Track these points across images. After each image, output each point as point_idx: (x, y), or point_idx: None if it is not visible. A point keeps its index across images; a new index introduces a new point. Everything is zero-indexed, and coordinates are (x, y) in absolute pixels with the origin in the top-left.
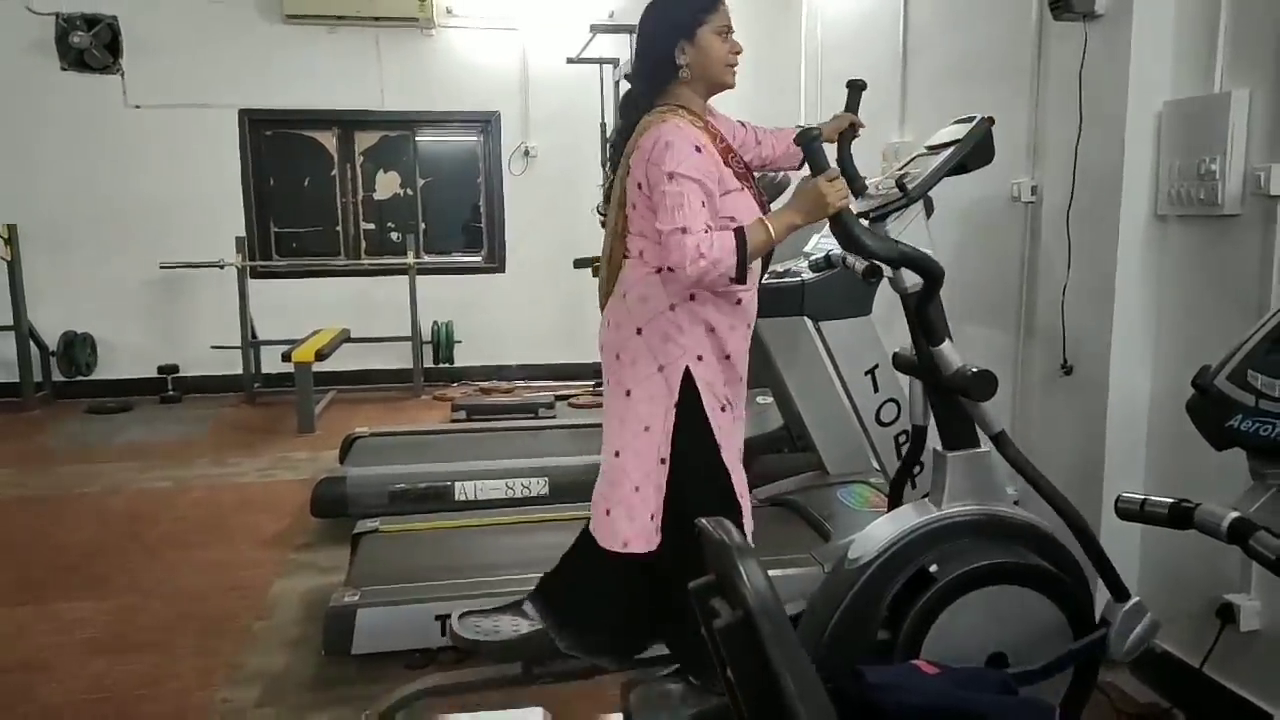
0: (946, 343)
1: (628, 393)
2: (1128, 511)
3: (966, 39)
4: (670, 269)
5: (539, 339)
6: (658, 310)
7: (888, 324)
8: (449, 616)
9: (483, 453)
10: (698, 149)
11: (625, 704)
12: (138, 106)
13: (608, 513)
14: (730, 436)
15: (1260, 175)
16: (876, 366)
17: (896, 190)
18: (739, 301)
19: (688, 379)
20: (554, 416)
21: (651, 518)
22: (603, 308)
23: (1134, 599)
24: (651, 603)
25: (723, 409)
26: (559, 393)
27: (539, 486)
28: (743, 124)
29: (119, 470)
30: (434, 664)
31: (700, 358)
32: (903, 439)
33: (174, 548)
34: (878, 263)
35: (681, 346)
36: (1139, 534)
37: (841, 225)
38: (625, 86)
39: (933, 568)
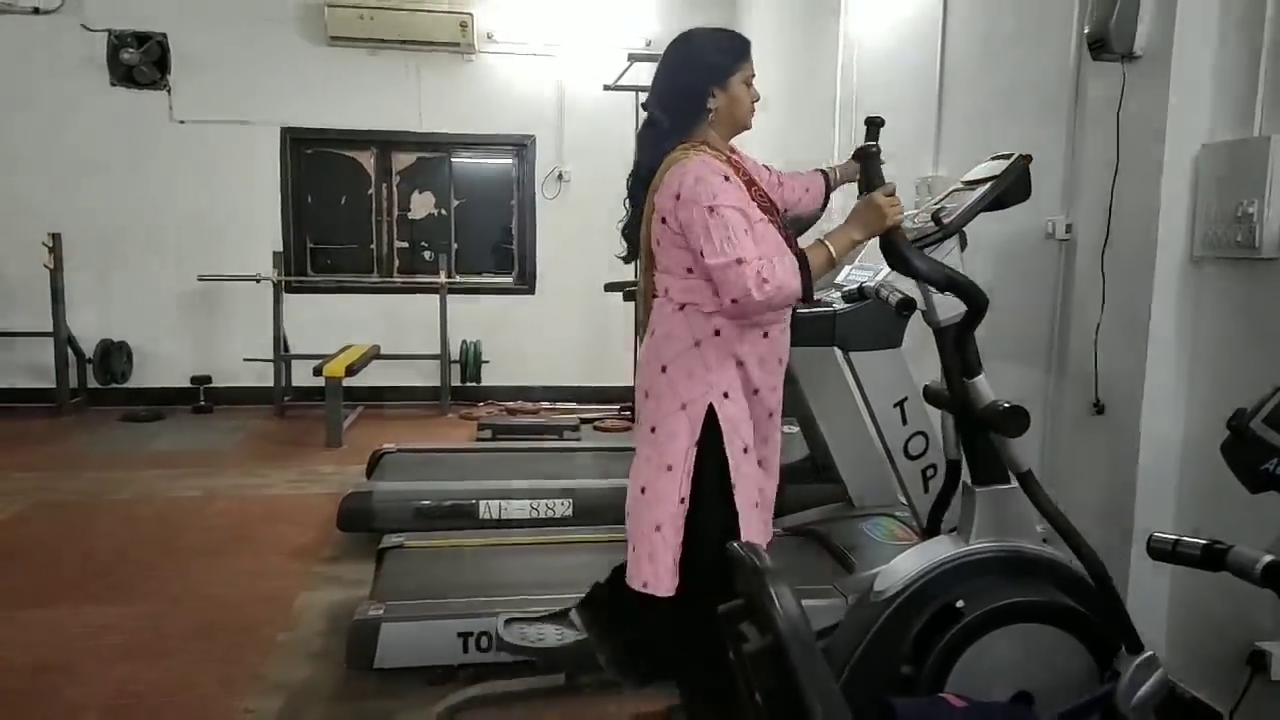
0: (980, 377)
1: (653, 429)
2: (1160, 551)
3: (1003, 75)
4: (734, 301)
5: (566, 361)
6: (683, 347)
7: (916, 358)
8: (471, 634)
9: (508, 472)
10: (725, 178)
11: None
12: (183, 122)
13: (633, 549)
14: (748, 480)
15: None
16: (905, 399)
17: (932, 224)
18: (766, 335)
19: (711, 417)
20: (579, 439)
21: (674, 561)
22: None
23: (1148, 653)
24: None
25: (745, 450)
26: (584, 415)
27: (563, 508)
28: (767, 167)
29: (150, 478)
30: (454, 681)
31: (726, 395)
32: (930, 472)
33: (202, 556)
34: (919, 287)
35: (707, 383)
36: (1169, 577)
37: (893, 244)
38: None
39: (959, 603)
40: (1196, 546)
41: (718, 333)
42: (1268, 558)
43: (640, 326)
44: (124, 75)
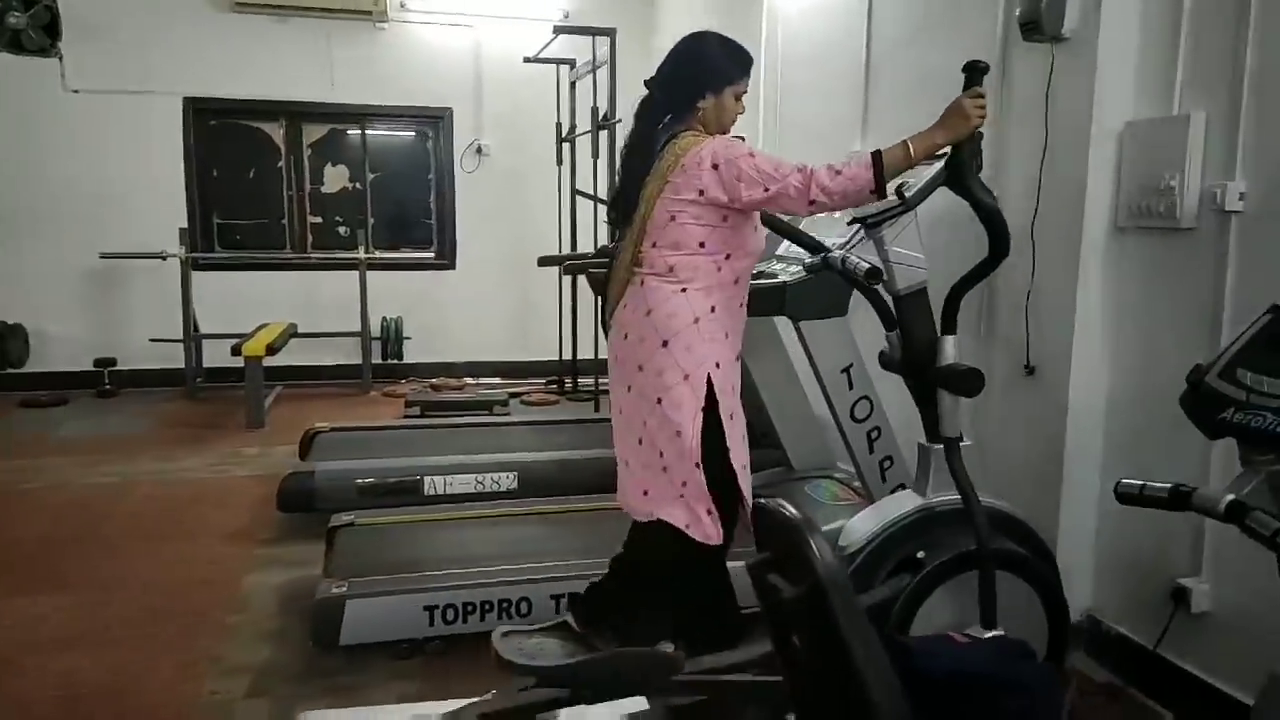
0: (954, 336)
1: (659, 400)
2: (1128, 495)
3: (929, 55)
4: (810, 204)
5: (488, 337)
6: (684, 325)
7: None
8: (437, 607)
9: (449, 448)
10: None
11: (493, 654)
12: (77, 91)
13: (679, 498)
14: (737, 443)
15: (1216, 192)
16: (851, 365)
17: (894, 197)
18: (742, 304)
19: (710, 386)
20: (509, 413)
21: (708, 512)
22: (608, 316)
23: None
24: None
25: (731, 417)
26: (512, 390)
27: (508, 481)
28: None
29: (62, 465)
30: (420, 654)
31: (718, 364)
32: (874, 434)
33: (132, 543)
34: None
35: (703, 356)
36: (1095, 524)
37: (959, 160)
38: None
39: (920, 554)
40: (1163, 490)
41: (713, 310)
42: (1230, 496)
43: (610, 301)
44: (10, 41)
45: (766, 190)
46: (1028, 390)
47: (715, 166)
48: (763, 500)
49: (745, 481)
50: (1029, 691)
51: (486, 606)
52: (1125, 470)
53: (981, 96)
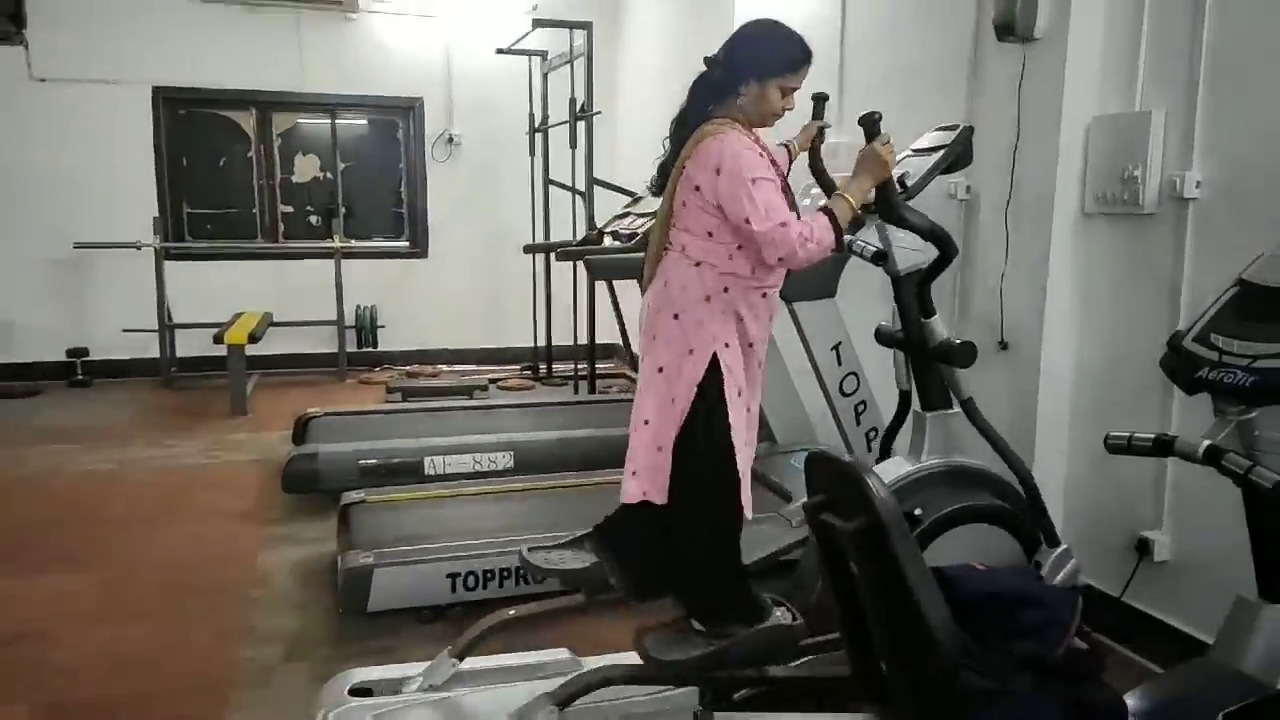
0: (936, 317)
1: (660, 369)
2: (1117, 446)
3: (902, 53)
4: (780, 260)
5: (462, 324)
6: (695, 300)
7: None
8: (459, 575)
9: (444, 429)
10: (757, 153)
11: (640, 645)
12: (43, 80)
13: (634, 472)
14: (741, 420)
15: (1175, 181)
16: (840, 343)
17: (897, 187)
18: (765, 295)
19: (714, 363)
20: (488, 398)
21: (668, 477)
22: (643, 292)
23: (1063, 546)
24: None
25: (739, 394)
26: (487, 376)
27: (505, 460)
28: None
29: (50, 453)
30: (443, 619)
31: (727, 345)
32: (861, 408)
33: (139, 525)
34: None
35: (712, 333)
36: (1064, 482)
37: (887, 194)
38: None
39: (917, 511)
40: (1148, 439)
41: (726, 290)
42: (1207, 442)
43: (644, 278)
44: None
45: (747, 223)
46: (1002, 364)
47: (718, 171)
48: (817, 448)
49: (745, 461)
50: (1042, 604)
51: (505, 573)
52: (1092, 435)
53: (888, 142)
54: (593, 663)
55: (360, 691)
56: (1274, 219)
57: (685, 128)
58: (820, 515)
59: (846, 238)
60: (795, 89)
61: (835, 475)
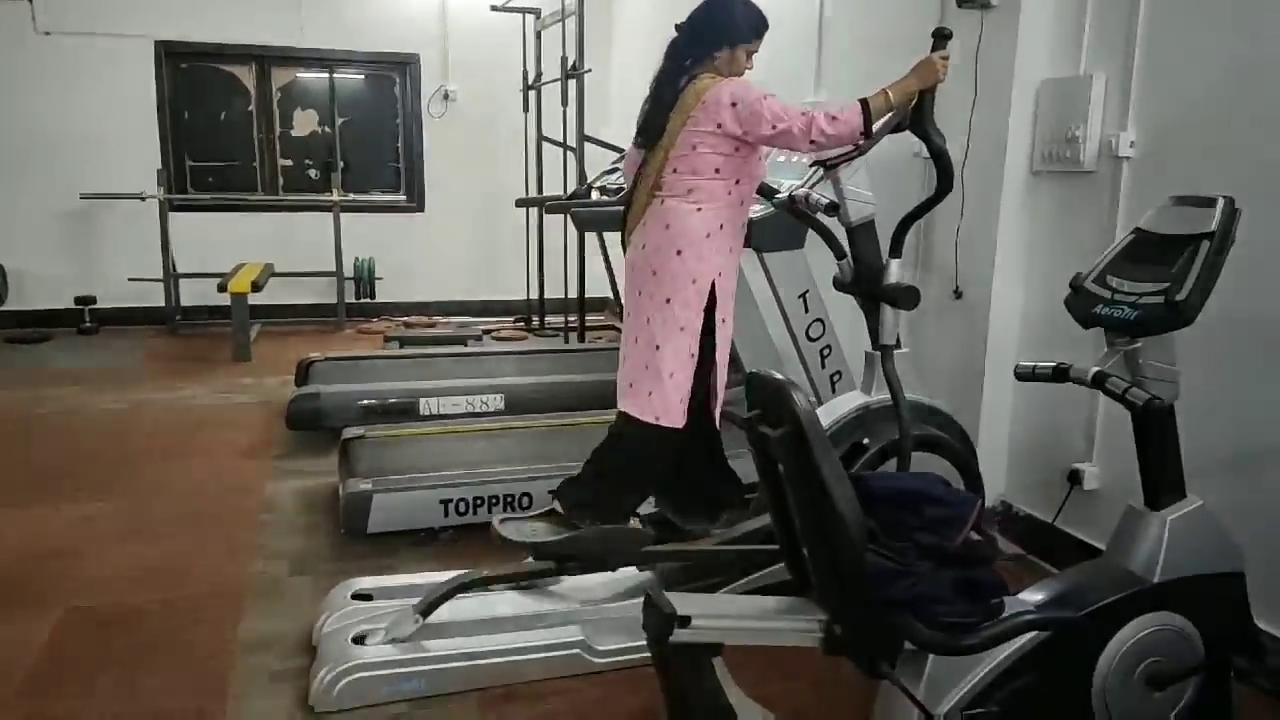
0: (899, 260)
1: (668, 300)
2: (1024, 373)
3: (878, 15)
4: (812, 143)
5: (457, 276)
6: (697, 238)
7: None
8: (451, 500)
9: (439, 374)
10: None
11: (495, 535)
12: (48, 33)
13: (650, 394)
14: (724, 342)
15: (1111, 140)
16: (807, 291)
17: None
18: (742, 225)
19: (713, 291)
20: (483, 347)
21: (680, 400)
22: (628, 233)
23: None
24: (662, 467)
25: (724, 321)
26: (481, 327)
27: (495, 402)
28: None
29: (67, 394)
30: (436, 541)
31: (722, 274)
32: (826, 352)
33: (155, 459)
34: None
35: (713, 265)
36: (1009, 422)
37: (923, 104)
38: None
39: (865, 440)
40: (1048, 368)
41: (722, 227)
42: (1096, 369)
43: (627, 229)
44: None
45: (774, 128)
46: (956, 311)
47: (734, 104)
48: (755, 370)
49: (722, 377)
50: (944, 503)
51: (493, 500)
52: None
53: (947, 57)
54: None
55: (361, 597)
56: (1193, 175)
57: (670, 87)
58: (757, 427)
59: (801, 191)
60: (755, 52)
61: (768, 391)
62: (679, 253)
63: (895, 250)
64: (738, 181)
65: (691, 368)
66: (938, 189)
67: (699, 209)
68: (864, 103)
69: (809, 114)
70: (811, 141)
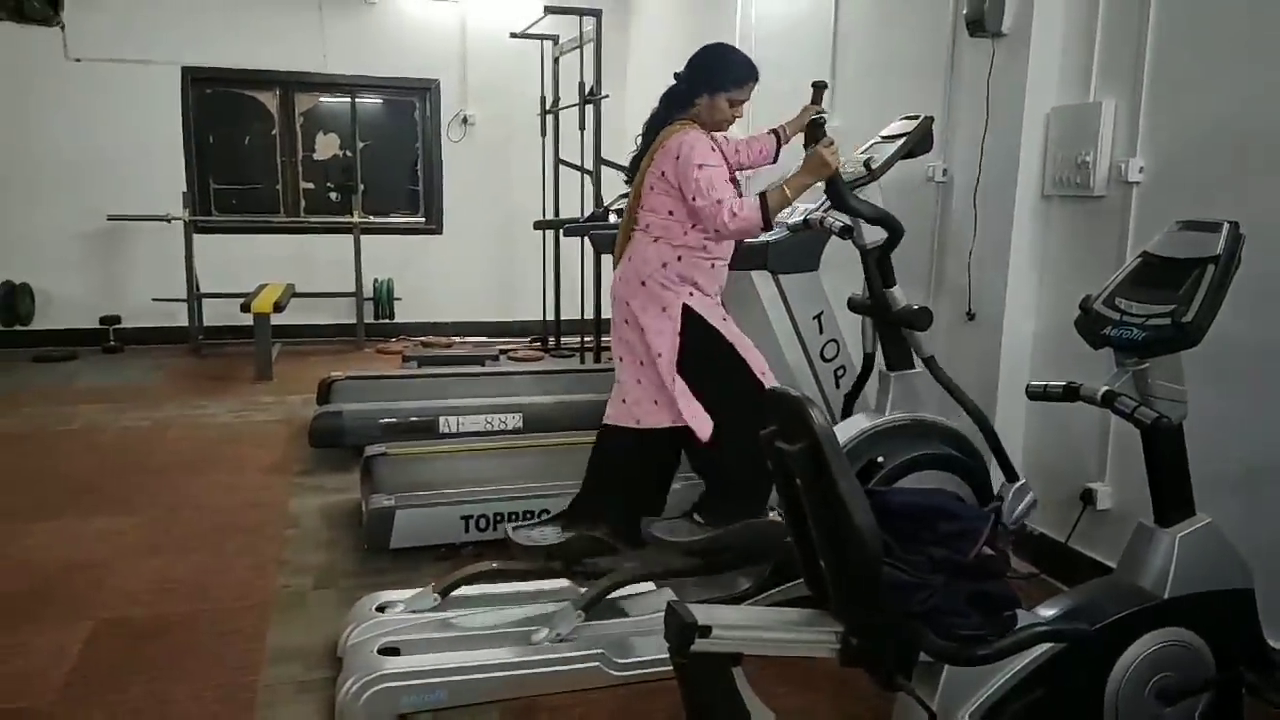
0: (896, 286)
1: (643, 330)
2: (1035, 393)
3: (889, 42)
4: (716, 231)
5: (474, 298)
6: (655, 268)
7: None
8: (472, 516)
9: (458, 393)
10: (712, 149)
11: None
12: (79, 60)
13: (624, 400)
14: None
15: (1121, 166)
16: (822, 313)
17: (863, 169)
18: (713, 266)
19: (687, 310)
20: (500, 367)
21: (655, 403)
22: (616, 264)
23: (1021, 481)
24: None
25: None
26: (498, 348)
27: (514, 421)
28: (727, 139)
29: (92, 411)
30: (457, 557)
31: (691, 293)
32: (840, 372)
33: (180, 474)
34: (851, 221)
35: (675, 292)
36: (1021, 441)
37: (835, 187)
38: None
39: (880, 458)
40: (1060, 387)
41: (679, 259)
42: (1105, 387)
43: (615, 256)
44: (13, 10)
45: (694, 199)
46: (969, 332)
47: (677, 158)
48: (772, 386)
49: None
50: (958, 518)
51: (512, 516)
52: None
53: (832, 144)
54: None
55: (385, 610)
56: (1200, 200)
57: (653, 130)
58: (775, 443)
59: (818, 215)
60: (743, 100)
61: (785, 408)
62: (643, 283)
63: (886, 279)
64: (694, 225)
65: (673, 389)
66: (889, 239)
67: (655, 240)
68: (763, 198)
69: (723, 202)
70: (715, 230)
